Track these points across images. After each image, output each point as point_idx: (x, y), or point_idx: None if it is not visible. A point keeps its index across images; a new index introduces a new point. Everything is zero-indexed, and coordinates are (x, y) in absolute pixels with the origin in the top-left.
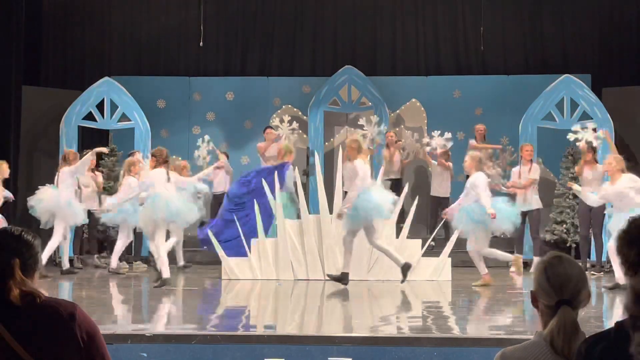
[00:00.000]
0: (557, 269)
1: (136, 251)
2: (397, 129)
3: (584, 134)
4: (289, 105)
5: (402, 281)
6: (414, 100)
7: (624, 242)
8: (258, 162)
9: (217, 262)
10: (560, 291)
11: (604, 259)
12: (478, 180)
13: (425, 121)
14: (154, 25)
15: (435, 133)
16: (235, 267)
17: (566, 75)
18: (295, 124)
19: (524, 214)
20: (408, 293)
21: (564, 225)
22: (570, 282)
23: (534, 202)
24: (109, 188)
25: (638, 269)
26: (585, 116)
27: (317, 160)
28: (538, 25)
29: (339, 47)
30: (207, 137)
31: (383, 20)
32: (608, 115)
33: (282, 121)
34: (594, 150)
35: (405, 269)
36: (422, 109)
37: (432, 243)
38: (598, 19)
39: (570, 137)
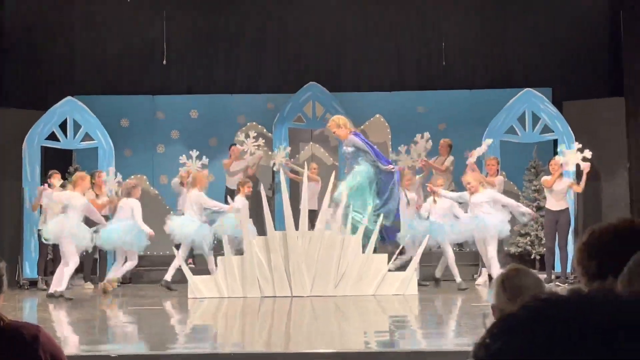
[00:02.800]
0: (513, 281)
1: (102, 271)
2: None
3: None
4: (254, 122)
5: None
6: (378, 115)
7: (583, 254)
8: (223, 178)
9: (184, 280)
10: (517, 303)
11: (568, 270)
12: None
13: (390, 136)
14: (117, 44)
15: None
16: (202, 285)
17: (527, 89)
18: (261, 141)
19: None
20: (375, 308)
21: (528, 238)
22: (527, 293)
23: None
24: None
25: (598, 280)
26: (546, 129)
27: (283, 177)
28: (500, 40)
29: (303, 63)
30: (195, 153)
31: (346, 37)
32: (569, 128)
33: (247, 137)
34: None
35: None
36: (387, 124)
37: (399, 259)
38: (558, 34)
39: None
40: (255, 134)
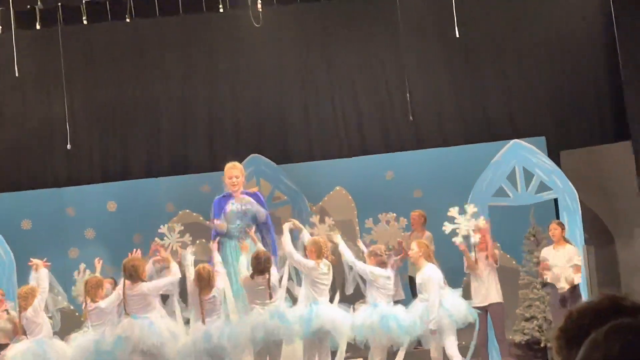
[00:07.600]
0: None
1: None
2: None
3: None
4: (187, 210)
5: None
6: (338, 188)
7: (561, 341)
8: None
9: None
10: None
11: None
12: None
13: (355, 212)
14: (10, 130)
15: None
16: None
17: (515, 140)
18: (187, 236)
19: (485, 311)
20: None
21: (535, 322)
22: None
23: (494, 293)
24: None
25: None
26: (543, 187)
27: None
28: (478, 86)
29: (241, 132)
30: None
31: (292, 97)
32: (569, 183)
33: (171, 230)
34: (562, 227)
35: None
36: (350, 197)
37: None
38: (548, 74)
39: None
40: (182, 227)
